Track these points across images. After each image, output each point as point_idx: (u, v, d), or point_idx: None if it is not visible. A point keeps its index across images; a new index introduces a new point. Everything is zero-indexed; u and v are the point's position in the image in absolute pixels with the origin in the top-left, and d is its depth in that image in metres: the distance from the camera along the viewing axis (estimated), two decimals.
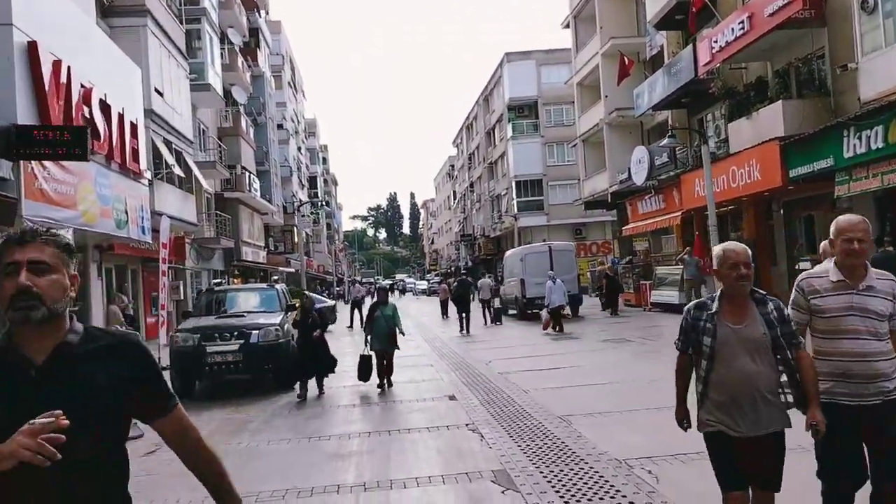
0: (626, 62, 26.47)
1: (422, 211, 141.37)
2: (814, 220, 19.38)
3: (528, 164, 51.25)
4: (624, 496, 5.41)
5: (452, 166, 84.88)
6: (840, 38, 16.66)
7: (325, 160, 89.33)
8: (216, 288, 18.18)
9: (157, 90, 21.67)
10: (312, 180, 74.43)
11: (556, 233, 46.95)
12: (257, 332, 11.75)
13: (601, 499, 5.40)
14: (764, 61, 20.08)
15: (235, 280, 34.49)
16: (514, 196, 51.03)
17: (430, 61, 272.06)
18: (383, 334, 11.41)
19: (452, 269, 76.97)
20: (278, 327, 11.90)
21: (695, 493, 5.13)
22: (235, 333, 11.70)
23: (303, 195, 60.23)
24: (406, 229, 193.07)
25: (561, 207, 50.12)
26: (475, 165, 68.62)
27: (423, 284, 75.55)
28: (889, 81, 13.42)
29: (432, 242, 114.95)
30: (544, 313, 20.08)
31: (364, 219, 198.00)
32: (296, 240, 52.01)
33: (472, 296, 23.28)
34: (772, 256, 21.70)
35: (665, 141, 16.30)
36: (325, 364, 11.23)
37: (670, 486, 5.58)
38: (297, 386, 11.20)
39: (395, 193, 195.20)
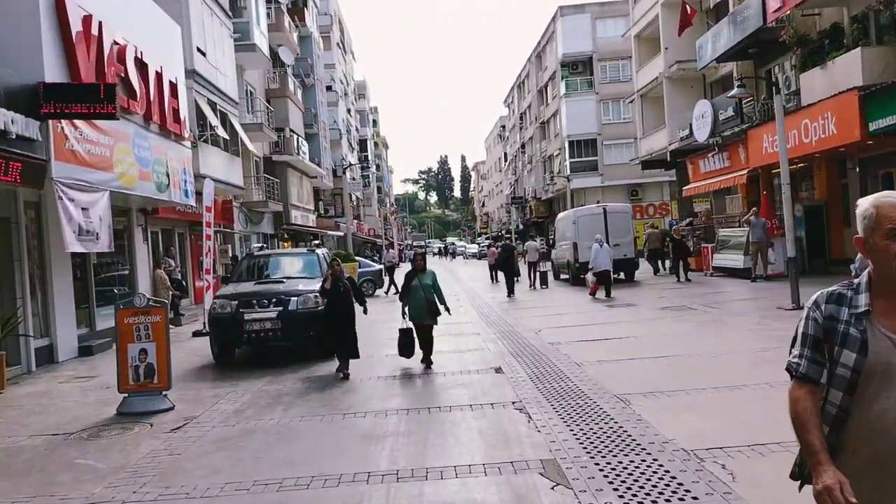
0: (689, 11, 24.83)
1: (472, 173, 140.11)
2: (892, 177, 17.86)
3: (582, 123, 49.62)
4: (695, 498, 4.64)
5: (503, 127, 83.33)
6: None
7: (375, 122, 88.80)
8: (256, 252, 17.78)
9: (199, 49, 21.20)
10: (363, 143, 74.03)
11: (610, 194, 45.50)
12: (296, 298, 11.23)
13: (668, 500, 4.64)
14: (840, 6, 18.43)
15: (285, 244, 34.37)
16: (567, 156, 49.58)
17: (481, 19, 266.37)
18: (422, 305, 10.22)
19: (503, 231, 75.98)
20: (317, 294, 11.32)
21: (778, 496, 4.30)
22: (274, 300, 11.20)
23: (352, 158, 59.81)
24: (457, 192, 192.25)
25: (616, 168, 48.56)
26: (527, 126, 67.06)
27: (473, 248, 74.80)
28: None
29: (483, 205, 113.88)
30: (590, 276, 19.35)
31: (415, 182, 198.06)
32: (345, 203, 51.90)
33: (516, 259, 22.76)
34: (844, 218, 20.24)
35: (734, 91, 14.98)
36: (347, 344, 9.95)
37: (749, 485, 4.78)
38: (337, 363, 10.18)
39: (445, 156, 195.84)
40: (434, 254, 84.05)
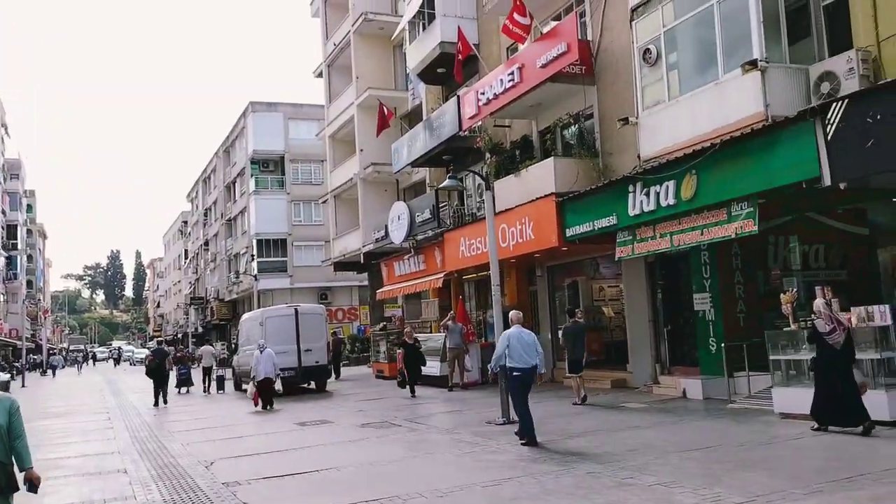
0: (386, 112, 24.53)
1: (148, 271, 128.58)
2: (578, 286, 18.41)
3: (272, 222, 47.44)
4: None
5: (185, 222, 77.59)
6: (610, 95, 16.01)
7: (30, 207, 76.77)
8: None
9: None
10: (11, 229, 62.97)
11: (299, 296, 43.32)
12: None
13: None
14: (529, 119, 19.14)
15: None
16: (255, 255, 46.65)
17: (165, 110, 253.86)
18: None
19: (180, 335, 69.18)
20: None
21: None
22: None
23: None
24: (129, 291, 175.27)
25: (306, 270, 46.91)
26: (211, 222, 62.89)
27: (143, 353, 66.65)
28: (674, 136, 12.49)
29: (158, 305, 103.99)
30: (250, 387, 17.93)
31: (80, 278, 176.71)
32: None
33: (168, 366, 22.22)
34: (532, 324, 20.47)
35: (446, 182, 13.94)
36: None
37: None
38: None
39: (117, 251, 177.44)
40: (89, 359, 73.68)
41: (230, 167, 55.97)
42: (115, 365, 64.98)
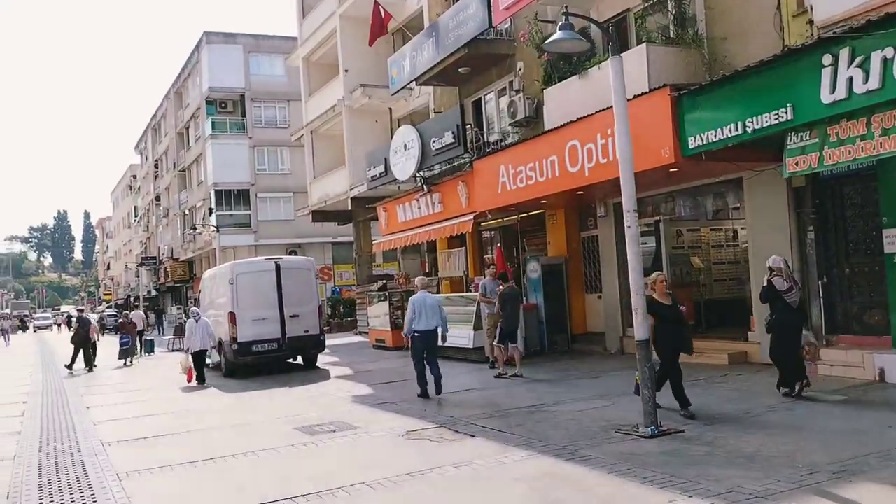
0: (383, 14, 19.39)
1: (97, 231, 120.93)
2: (660, 228, 13.84)
3: (232, 170, 41.83)
4: None
5: (134, 177, 70.96)
6: None
7: None
8: None
9: None
10: None
11: (265, 254, 37.91)
12: None
13: None
14: (587, 7, 14.26)
15: None
16: (214, 208, 41.10)
17: (111, 49, 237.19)
18: None
19: (130, 297, 63.26)
20: None
21: None
22: None
23: None
24: (78, 254, 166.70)
25: (272, 224, 41.74)
26: (163, 174, 56.75)
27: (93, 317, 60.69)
28: None
29: (108, 268, 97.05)
30: (183, 357, 15.64)
31: (25, 240, 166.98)
32: None
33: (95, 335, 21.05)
34: (588, 282, 15.93)
35: (559, 35, 8.14)
36: None
37: None
38: None
39: (64, 211, 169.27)
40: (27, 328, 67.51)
41: (182, 110, 49.83)
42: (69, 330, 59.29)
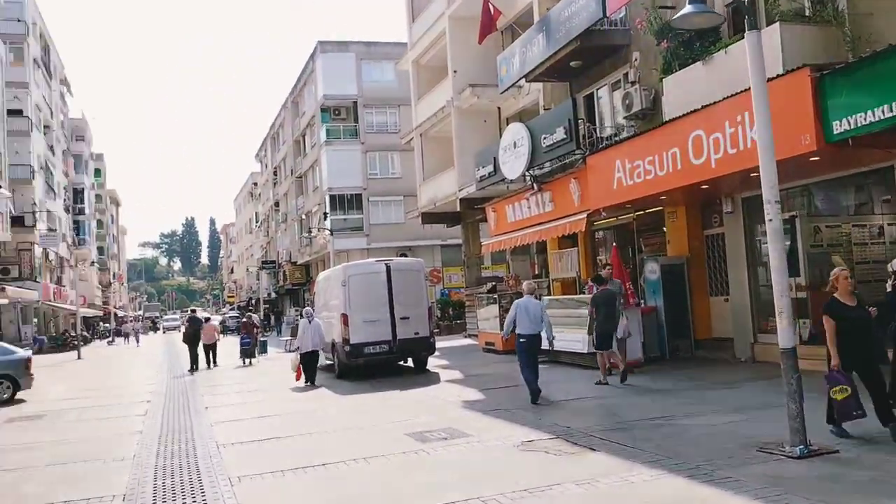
0: (493, 11, 19.02)
1: (222, 237, 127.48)
2: (796, 223, 12.67)
3: (345, 176, 42.77)
4: None
5: (255, 184, 74.13)
6: None
7: (99, 172, 74.64)
8: None
9: None
10: (77, 194, 60.43)
11: (377, 257, 38.59)
12: None
13: None
14: None
15: None
16: (328, 212, 42.11)
17: (232, 64, 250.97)
18: None
19: (253, 300, 66.06)
20: None
21: None
22: None
23: (53, 206, 47.07)
24: (205, 258, 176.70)
25: (383, 227, 42.28)
26: (281, 181, 58.91)
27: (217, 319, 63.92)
28: None
29: (232, 271, 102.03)
30: (294, 357, 15.91)
31: (157, 246, 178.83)
32: (34, 261, 39.86)
33: (217, 335, 22.68)
34: (712, 283, 14.89)
35: (688, 9, 7.36)
36: None
37: None
38: None
39: (192, 218, 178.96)
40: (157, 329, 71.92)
41: (299, 118, 51.53)
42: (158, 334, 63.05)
